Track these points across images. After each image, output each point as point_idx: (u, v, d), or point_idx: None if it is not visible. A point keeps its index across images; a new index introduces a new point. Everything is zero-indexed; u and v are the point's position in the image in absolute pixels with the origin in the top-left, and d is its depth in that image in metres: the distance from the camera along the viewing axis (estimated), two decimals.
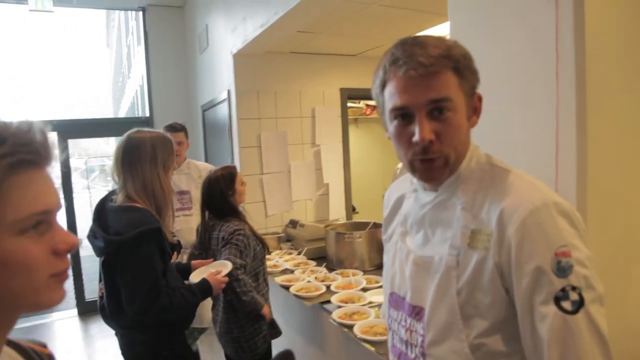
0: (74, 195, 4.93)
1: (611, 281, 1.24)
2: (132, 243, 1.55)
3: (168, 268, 1.69)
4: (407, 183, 1.01)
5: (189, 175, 3.13)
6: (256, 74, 3.53)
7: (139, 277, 1.57)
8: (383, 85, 0.83)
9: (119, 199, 1.68)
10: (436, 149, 0.79)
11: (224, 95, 3.72)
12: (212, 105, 4.18)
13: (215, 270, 1.90)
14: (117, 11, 7.17)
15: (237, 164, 3.57)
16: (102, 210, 1.72)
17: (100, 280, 1.73)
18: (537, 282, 0.71)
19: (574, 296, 0.69)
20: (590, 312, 0.69)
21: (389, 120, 0.83)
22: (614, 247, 1.25)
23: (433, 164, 0.81)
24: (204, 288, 1.79)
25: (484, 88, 1.42)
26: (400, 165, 3.07)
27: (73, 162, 5.30)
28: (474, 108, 0.85)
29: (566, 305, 0.69)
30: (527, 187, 0.78)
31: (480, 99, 0.86)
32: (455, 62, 0.78)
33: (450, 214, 0.84)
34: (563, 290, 0.69)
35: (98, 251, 1.66)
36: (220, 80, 3.89)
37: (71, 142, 5.07)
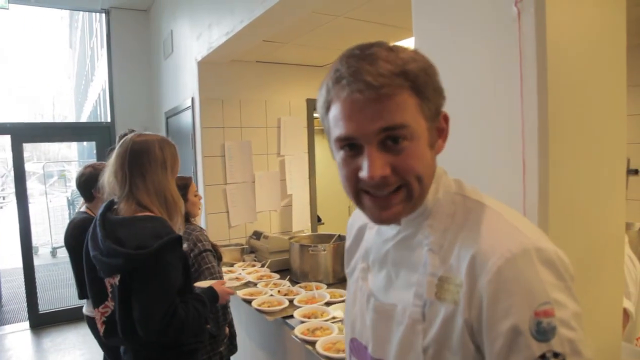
0: (30, 200, 4.69)
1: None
2: (155, 256, 1.40)
3: (190, 277, 1.57)
4: None
5: None
6: (221, 82, 3.46)
7: (158, 296, 1.41)
8: (327, 107, 0.69)
9: (127, 208, 1.51)
10: (392, 181, 0.65)
11: (188, 103, 3.62)
12: (176, 112, 4.07)
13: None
14: (81, 12, 6.93)
15: (200, 173, 3.48)
16: (105, 224, 1.51)
17: (104, 299, 1.55)
18: (512, 346, 0.58)
19: None
20: None
21: (335, 148, 0.70)
22: (574, 264, 1.26)
23: (390, 201, 0.67)
24: (212, 296, 1.68)
25: (448, 108, 1.43)
26: None
27: (30, 167, 5.06)
28: (439, 130, 0.71)
29: None
30: (505, 228, 0.65)
31: (446, 119, 0.72)
32: (413, 80, 0.63)
33: (416, 255, 0.71)
34: (543, 356, 0.57)
35: (110, 270, 1.45)
36: (184, 87, 3.79)
37: (29, 146, 4.84)
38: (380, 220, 0.71)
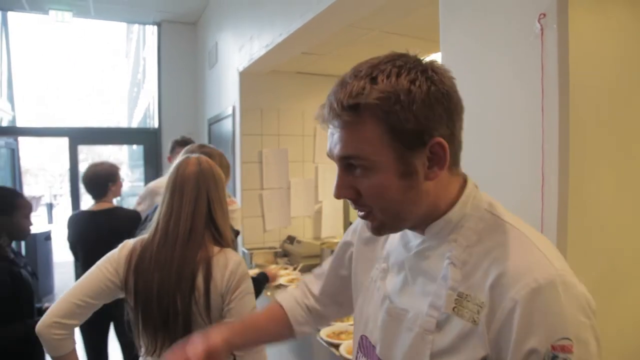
0: (82, 199, 5.00)
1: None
2: None
3: None
4: None
5: None
6: (261, 92, 3.60)
7: None
8: None
9: None
10: (361, 204, 0.69)
11: (229, 111, 3.79)
12: (218, 119, 4.25)
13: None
14: (137, 24, 7.36)
15: (237, 178, 3.62)
16: None
17: None
18: None
19: None
20: None
21: None
22: (596, 279, 1.26)
23: (367, 218, 0.71)
24: (263, 279, 2.05)
25: (471, 121, 1.46)
26: None
27: (84, 167, 5.39)
28: (432, 157, 0.66)
29: None
30: (534, 255, 0.63)
31: (442, 145, 0.66)
32: (377, 112, 0.62)
33: (436, 265, 0.70)
34: None
35: None
36: (226, 96, 3.96)
37: (85, 148, 5.18)
38: (371, 231, 0.75)
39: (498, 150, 1.37)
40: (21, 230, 1.93)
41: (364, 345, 0.83)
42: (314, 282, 1.07)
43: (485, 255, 0.66)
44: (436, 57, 2.76)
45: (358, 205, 0.70)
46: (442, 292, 0.67)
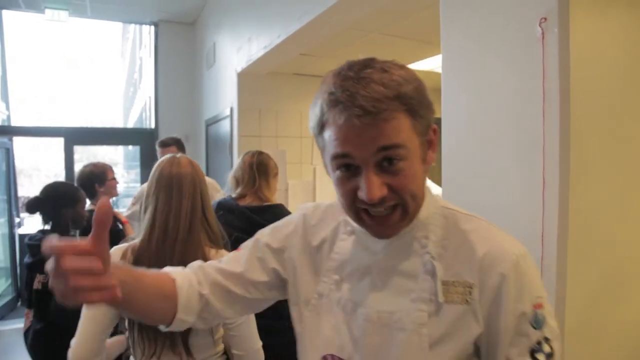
0: None
1: (592, 316, 1.25)
2: None
3: None
4: (333, 220, 0.85)
5: None
6: (259, 93, 3.59)
7: None
8: (321, 127, 0.70)
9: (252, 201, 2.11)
10: (389, 199, 0.68)
11: (227, 112, 3.78)
12: (215, 120, 4.24)
13: None
14: (132, 24, 7.33)
15: None
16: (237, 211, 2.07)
17: None
18: (518, 330, 0.68)
19: (546, 348, 0.68)
20: None
21: (330, 168, 0.71)
22: (598, 284, 1.26)
23: (389, 219, 0.70)
24: None
25: (471, 124, 1.46)
26: None
27: (79, 168, 5.36)
28: (429, 142, 0.72)
29: (540, 357, 0.68)
30: (500, 236, 0.73)
31: (435, 131, 0.73)
32: (408, 102, 0.65)
33: (410, 263, 0.74)
34: (539, 342, 0.68)
35: None
36: (224, 97, 3.95)
37: (80, 148, 5.15)
38: (381, 236, 0.73)
39: (498, 154, 1.37)
40: (82, 219, 2.14)
41: None
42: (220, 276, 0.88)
43: (461, 244, 0.72)
44: (436, 59, 2.78)
45: (386, 202, 0.68)
46: (427, 285, 0.71)
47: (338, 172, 0.69)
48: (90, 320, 1.23)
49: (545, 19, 1.21)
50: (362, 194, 0.67)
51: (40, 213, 2.07)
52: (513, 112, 1.32)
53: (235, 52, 3.58)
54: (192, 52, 5.14)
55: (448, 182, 1.58)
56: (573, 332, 1.20)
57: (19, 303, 5.46)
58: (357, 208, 0.70)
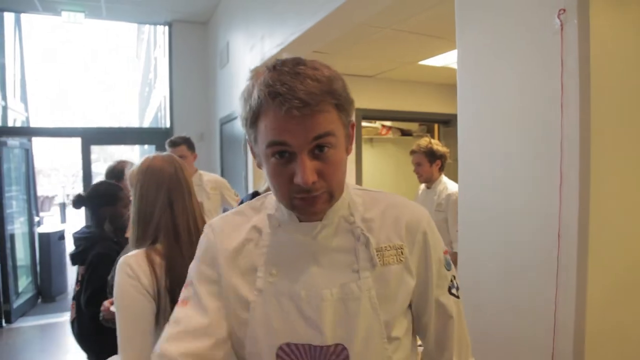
0: None
1: (613, 314, 1.22)
2: None
3: None
4: (247, 222, 0.88)
5: (200, 187, 3.19)
6: None
7: None
8: (256, 118, 0.74)
9: None
10: (319, 186, 0.74)
11: None
12: (229, 119, 4.26)
13: None
14: (147, 25, 7.41)
15: (250, 178, 3.62)
16: None
17: None
18: (439, 273, 0.85)
19: (456, 282, 0.88)
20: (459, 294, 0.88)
21: (264, 156, 0.76)
22: (615, 281, 1.24)
23: (316, 200, 0.76)
24: None
25: (486, 117, 1.44)
26: (422, 186, 3.05)
27: (98, 167, 5.45)
28: (349, 136, 0.81)
29: (454, 291, 0.87)
30: (410, 202, 0.89)
31: (353, 126, 0.83)
32: (337, 97, 0.74)
33: (343, 239, 0.83)
34: (451, 280, 0.87)
35: None
36: (238, 95, 3.95)
37: (97, 148, 5.23)
38: (311, 217, 0.81)
39: (513, 149, 1.36)
40: (121, 217, 2.15)
41: (287, 352, 0.80)
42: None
43: (382, 215, 0.85)
44: (451, 54, 2.75)
45: (315, 188, 0.74)
46: (364, 255, 0.81)
47: (273, 160, 0.74)
48: (131, 322, 1.19)
49: (564, 10, 1.19)
50: (297, 179, 0.73)
51: (85, 209, 2.34)
52: (530, 106, 1.30)
53: (249, 50, 3.59)
54: (206, 52, 5.17)
55: (464, 178, 1.56)
56: (594, 330, 1.18)
57: (39, 300, 5.58)
58: (293, 195, 0.76)
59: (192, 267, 0.89)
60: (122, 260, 1.22)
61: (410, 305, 0.86)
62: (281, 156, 0.73)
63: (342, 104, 0.75)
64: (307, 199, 0.76)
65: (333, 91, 0.73)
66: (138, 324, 1.19)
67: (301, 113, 0.69)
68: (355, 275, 0.81)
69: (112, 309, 1.45)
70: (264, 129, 0.73)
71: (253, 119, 0.74)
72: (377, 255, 0.82)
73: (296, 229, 0.83)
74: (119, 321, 1.18)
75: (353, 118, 0.82)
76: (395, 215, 0.85)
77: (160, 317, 1.23)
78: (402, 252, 0.83)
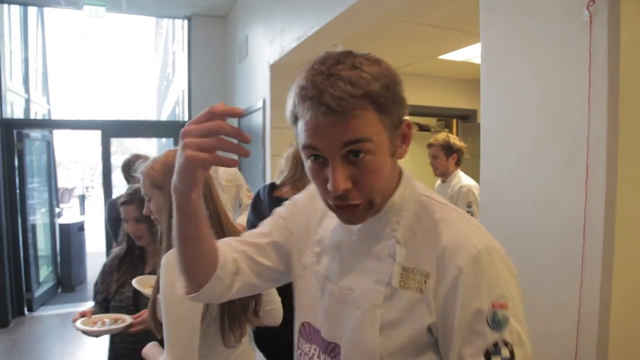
0: (114, 190, 5.13)
1: (638, 312, 1.20)
2: None
3: None
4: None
5: (215, 180, 3.20)
6: (292, 85, 3.58)
7: None
8: (295, 118, 0.72)
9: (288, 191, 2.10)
10: (355, 195, 0.70)
11: (260, 104, 3.80)
12: (248, 112, 4.28)
13: None
14: (165, 19, 7.47)
15: (268, 171, 3.64)
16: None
17: None
18: (472, 328, 0.66)
19: (505, 352, 0.65)
20: None
21: (304, 156, 0.74)
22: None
23: (354, 209, 0.72)
24: None
25: (510, 112, 1.42)
26: (439, 181, 3.04)
27: (115, 160, 5.52)
28: (402, 136, 0.75)
29: None
30: (470, 227, 0.73)
31: (409, 126, 0.75)
32: (375, 99, 0.67)
33: (381, 245, 0.76)
34: (495, 344, 0.65)
35: None
36: (256, 89, 3.98)
37: (115, 141, 5.30)
38: (349, 223, 0.77)
39: (537, 145, 1.34)
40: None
41: (306, 331, 0.85)
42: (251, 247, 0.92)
43: (428, 232, 0.73)
44: (475, 47, 2.72)
45: (349, 196, 0.70)
46: (388, 268, 0.73)
47: (309, 162, 0.72)
48: (178, 321, 1.17)
49: (594, 1, 1.16)
50: (329, 186, 0.69)
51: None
52: (555, 100, 1.28)
53: (268, 44, 3.59)
54: (225, 46, 5.19)
55: (486, 174, 1.54)
56: (618, 329, 1.15)
57: (59, 290, 5.70)
58: (330, 201, 0.73)
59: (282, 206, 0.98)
60: (167, 258, 1.17)
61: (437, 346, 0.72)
62: (316, 159, 0.71)
63: (383, 105, 0.68)
64: (342, 207, 0.72)
65: (369, 93, 0.66)
66: (185, 323, 1.17)
67: (327, 120, 0.65)
68: (372, 286, 0.75)
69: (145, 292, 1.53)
70: (300, 129, 0.71)
71: (293, 118, 0.73)
72: (402, 274, 0.73)
73: (340, 224, 0.82)
74: (166, 320, 1.16)
75: (404, 117, 0.73)
76: (438, 235, 0.72)
77: (207, 316, 1.23)
78: (425, 282, 0.70)
